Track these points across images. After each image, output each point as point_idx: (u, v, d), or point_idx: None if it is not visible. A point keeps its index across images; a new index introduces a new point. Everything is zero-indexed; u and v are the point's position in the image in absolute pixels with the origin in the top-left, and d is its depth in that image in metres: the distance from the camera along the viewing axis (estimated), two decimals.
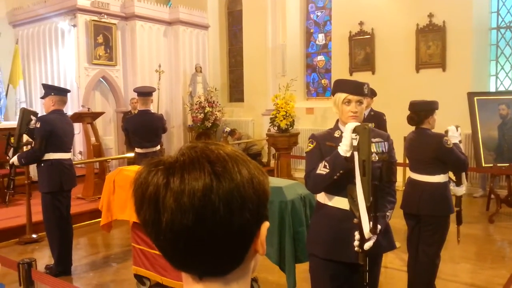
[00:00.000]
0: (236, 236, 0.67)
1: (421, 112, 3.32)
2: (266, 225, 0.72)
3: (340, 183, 2.22)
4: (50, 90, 4.45)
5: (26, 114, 4.62)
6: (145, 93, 5.29)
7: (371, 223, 2.10)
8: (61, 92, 4.50)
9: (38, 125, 4.27)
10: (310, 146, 2.39)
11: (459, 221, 3.39)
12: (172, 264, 0.70)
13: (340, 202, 2.28)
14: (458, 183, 3.34)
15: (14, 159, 4.46)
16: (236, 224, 0.66)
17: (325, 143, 2.32)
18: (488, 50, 7.84)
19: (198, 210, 0.63)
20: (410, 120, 3.39)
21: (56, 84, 8.59)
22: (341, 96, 2.30)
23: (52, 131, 4.25)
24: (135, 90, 5.53)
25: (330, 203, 2.32)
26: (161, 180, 0.65)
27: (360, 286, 2.25)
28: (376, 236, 2.15)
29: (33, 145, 4.39)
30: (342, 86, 2.35)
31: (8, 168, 4.92)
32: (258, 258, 0.75)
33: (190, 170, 0.65)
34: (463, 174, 3.35)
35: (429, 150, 3.25)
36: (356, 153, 2.13)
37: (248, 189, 0.67)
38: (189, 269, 0.70)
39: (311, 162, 2.34)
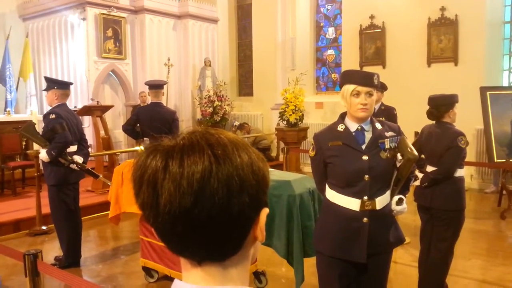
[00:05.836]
0: (234, 220, 0.67)
1: (441, 106, 3.27)
2: (265, 211, 0.72)
3: (349, 183, 2.19)
4: (52, 83, 4.41)
5: (28, 129, 4.35)
6: (155, 86, 5.30)
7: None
8: (64, 86, 4.46)
9: (53, 116, 4.19)
10: (311, 153, 2.35)
11: None
12: (170, 249, 0.70)
13: (349, 202, 2.21)
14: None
15: (43, 156, 4.19)
16: (234, 207, 0.66)
17: (328, 144, 2.24)
18: (501, 44, 7.71)
19: (196, 193, 0.63)
20: (430, 115, 3.34)
21: (66, 78, 8.65)
22: (349, 88, 2.18)
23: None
24: (146, 83, 5.56)
25: (338, 202, 2.25)
26: (160, 163, 0.66)
27: (367, 286, 2.22)
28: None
29: (56, 133, 4.13)
30: (350, 77, 2.23)
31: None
32: (258, 246, 0.75)
33: (190, 154, 0.65)
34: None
35: (443, 144, 3.20)
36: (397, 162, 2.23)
37: (248, 173, 0.67)
38: (187, 253, 0.70)
39: (316, 173, 2.38)
